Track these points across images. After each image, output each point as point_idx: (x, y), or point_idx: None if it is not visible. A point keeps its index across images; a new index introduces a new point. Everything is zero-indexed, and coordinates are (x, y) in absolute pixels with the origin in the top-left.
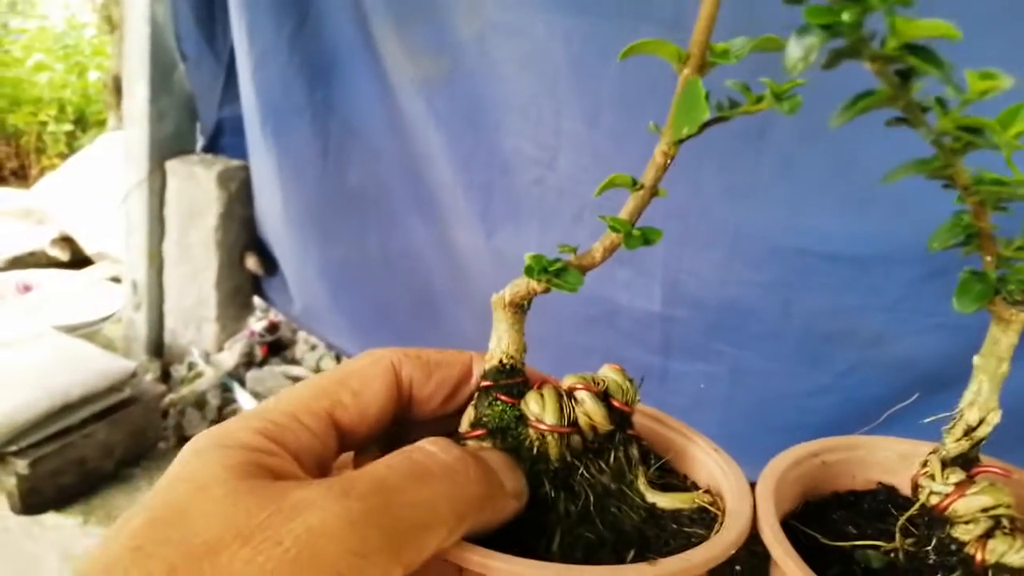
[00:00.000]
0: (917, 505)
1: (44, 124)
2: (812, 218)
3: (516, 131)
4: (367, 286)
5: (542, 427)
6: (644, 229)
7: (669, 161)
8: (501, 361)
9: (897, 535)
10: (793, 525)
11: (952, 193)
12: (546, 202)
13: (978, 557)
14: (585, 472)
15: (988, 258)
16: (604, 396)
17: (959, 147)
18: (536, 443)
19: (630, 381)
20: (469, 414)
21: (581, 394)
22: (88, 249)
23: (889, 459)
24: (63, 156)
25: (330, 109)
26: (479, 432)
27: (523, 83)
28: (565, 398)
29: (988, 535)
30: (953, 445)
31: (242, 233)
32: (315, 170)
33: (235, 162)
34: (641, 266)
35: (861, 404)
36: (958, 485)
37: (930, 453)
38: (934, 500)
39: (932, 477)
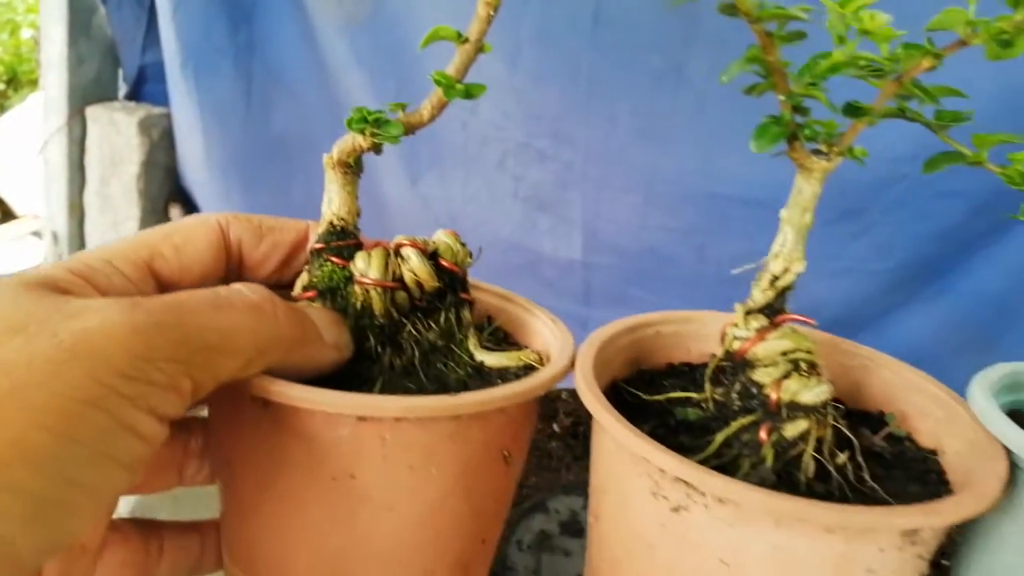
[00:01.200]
0: (722, 352)
1: None
2: (724, 162)
3: None
4: None
5: (366, 282)
6: (468, 85)
7: (493, 12)
8: (331, 223)
9: (706, 384)
10: (620, 387)
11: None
12: (470, 148)
13: (773, 396)
14: (412, 329)
15: (782, 97)
16: (433, 256)
17: None
18: (361, 298)
19: (462, 245)
20: (303, 278)
21: (407, 251)
22: (18, 209)
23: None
24: None
25: (253, 51)
26: (310, 294)
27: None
28: (392, 256)
29: (787, 377)
30: (759, 295)
31: (165, 182)
32: (238, 115)
33: (158, 109)
34: (562, 213)
35: None
36: (760, 330)
37: (737, 304)
38: (736, 345)
39: (737, 325)
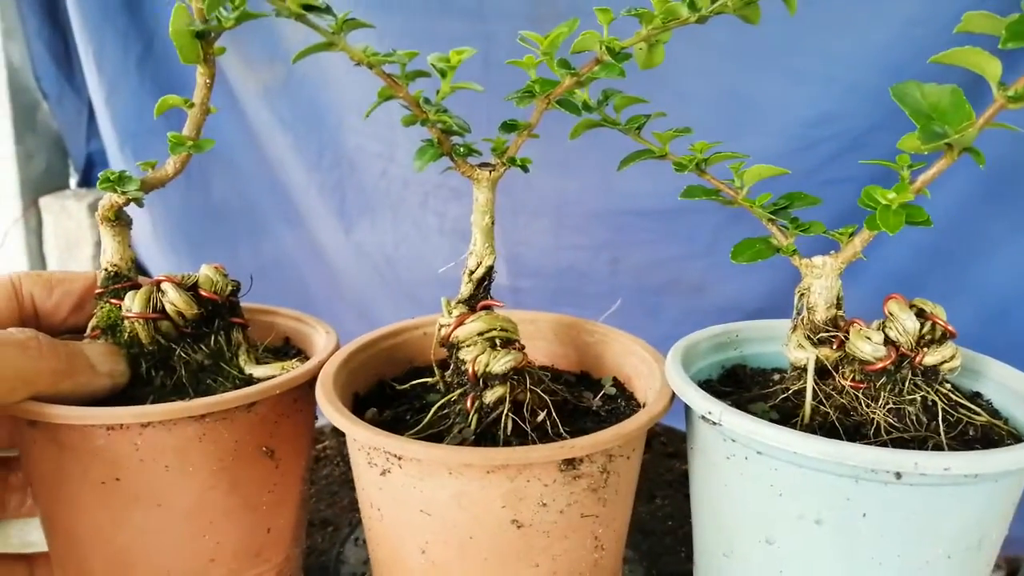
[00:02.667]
0: (436, 337)
1: None
2: (621, 180)
3: (356, 129)
4: (245, 298)
5: (131, 315)
6: (199, 141)
7: (208, 81)
8: (107, 270)
9: (436, 370)
10: (385, 383)
11: (736, 150)
12: (393, 192)
13: (471, 370)
14: (181, 352)
15: (427, 124)
16: (194, 287)
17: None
18: (129, 330)
19: (223, 276)
20: (92, 321)
21: (165, 285)
22: None
23: None
24: None
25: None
26: (95, 333)
27: (352, 84)
28: (155, 291)
29: (483, 353)
30: (464, 289)
31: None
32: (178, 189)
33: None
34: None
35: None
36: (459, 316)
37: (443, 297)
38: (444, 331)
39: (444, 315)
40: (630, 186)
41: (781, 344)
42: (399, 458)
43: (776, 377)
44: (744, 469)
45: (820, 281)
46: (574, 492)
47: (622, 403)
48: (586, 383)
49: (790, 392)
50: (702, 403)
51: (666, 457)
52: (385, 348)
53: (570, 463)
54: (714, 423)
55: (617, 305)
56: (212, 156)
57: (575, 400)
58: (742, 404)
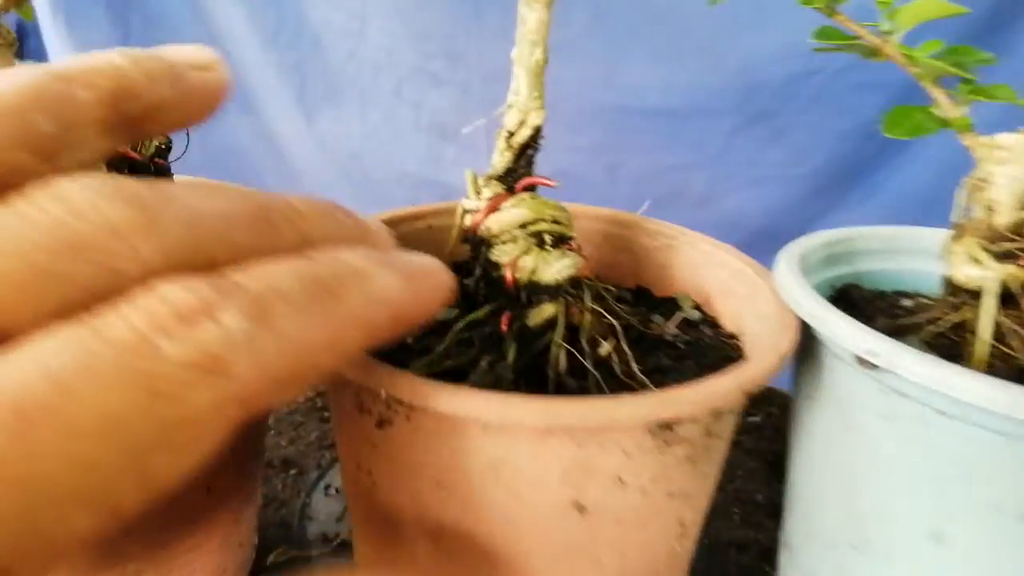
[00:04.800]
0: (456, 228)
1: None
2: (627, 72)
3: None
4: (181, 170)
5: None
6: None
7: None
8: None
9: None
10: None
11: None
12: (363, 79)
13: (508, 277)
14: None
15: None
16: None
17: None
18: None
19: None
20: None
21: None
22: None
23: None
24: None
25: None
26: None
27: None
28: None
29: (526, 253)
30: (498, 159)
31: None
32: None
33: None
34: (466, 141)
35: None
36: (492, 199)
37: (467, 170)
38: (469, 219)
39: (468, 196)
40: (636, 79)
41: (929, 257)
42: (405, 405)
43: (907, 304)
44: (913, 434)
45: (1006, 169)
46: (665, 463)
47: (707, 332)
48: (646, 302)
49: (945, 325)
50: (858, 338)
51: None
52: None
53: (667, 425)
54: (873, 367)
55: (645, 208)
56: (152, 27)
57: (641, 325)
58: None
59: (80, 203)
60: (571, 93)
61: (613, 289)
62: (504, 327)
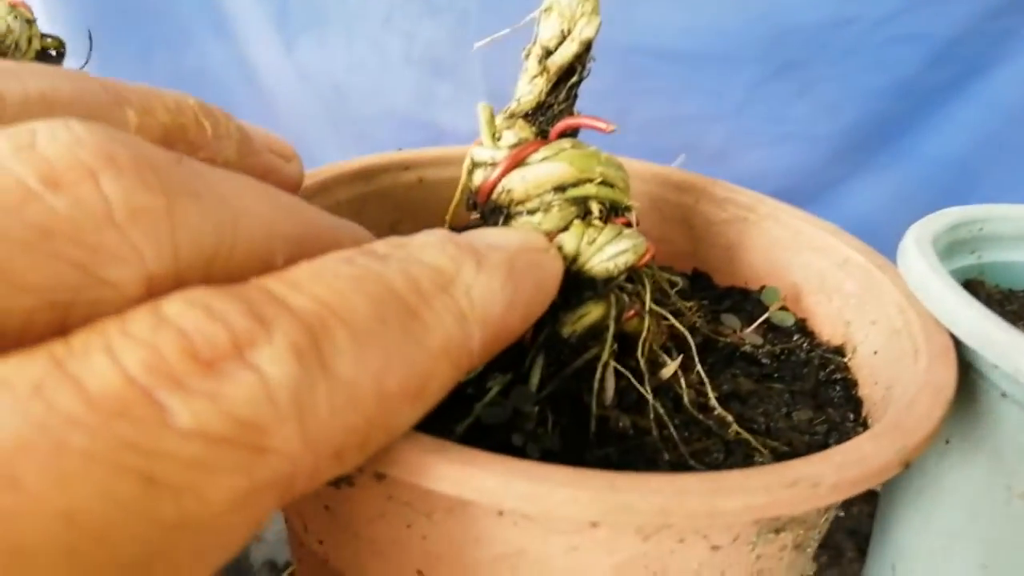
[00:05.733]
0: (462, 187)
1: None
2: (646, 9)
3: None
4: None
5: None
6: None
7: None
8: None
9: None
10: None
11: None
12: (350, 4)
13: None
14: None
15: None
16: None
17: None
18: None
19: (29, 22)
20: None
21: None
22: None
23: None
24: None
25: None
26: None
27: None
28: None
29: (565, 229)
30: (526, 90)
31: None
32: None
33: None
34: (463, 79)
35: None
36: (518, 148)
37: (481, 104)
38: (481, 176)
39: (481, 143)
40: (656, 17)
41: None
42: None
43: None
44: None
45: None
46: (766, 555)
47: (800, 343)
48: (707, 292)
49: None
50: None
51: None
52: (344, 203)
53: (773, 519)
54: None
55: (680, 160)
56: None
57: (709, 329)
58: None
59: (56, 159)
60: None
61: (678, 280)
62: (528, 335)
